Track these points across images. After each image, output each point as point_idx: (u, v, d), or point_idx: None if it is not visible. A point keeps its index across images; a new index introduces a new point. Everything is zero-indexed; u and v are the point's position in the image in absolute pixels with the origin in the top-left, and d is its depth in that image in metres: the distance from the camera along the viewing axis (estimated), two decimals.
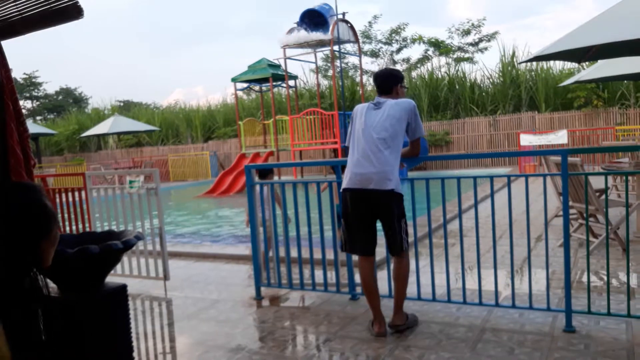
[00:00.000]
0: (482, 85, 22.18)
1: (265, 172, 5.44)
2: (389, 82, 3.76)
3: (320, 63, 23.74)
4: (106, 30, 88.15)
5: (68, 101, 40.73)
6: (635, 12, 4.77)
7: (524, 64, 20.78)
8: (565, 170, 3.46)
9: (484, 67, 38.99)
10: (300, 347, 3.51)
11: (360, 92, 17.65)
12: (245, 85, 18.31)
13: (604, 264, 4.86)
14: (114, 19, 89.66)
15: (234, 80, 17.01)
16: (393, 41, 25.43)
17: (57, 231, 1.67)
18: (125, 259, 5.25)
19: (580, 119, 18.12)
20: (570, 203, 5.53)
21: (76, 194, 5.80)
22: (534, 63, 19.54)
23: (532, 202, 3.71)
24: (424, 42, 24.96)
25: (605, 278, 4.56)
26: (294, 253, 4.69)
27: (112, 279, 3.14)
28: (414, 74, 24.08)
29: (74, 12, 3.27)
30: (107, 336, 2.88)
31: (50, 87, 47.39)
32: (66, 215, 5.82)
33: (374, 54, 25.88)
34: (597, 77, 9.27)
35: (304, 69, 47.64)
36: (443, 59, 24.57)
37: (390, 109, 3.57)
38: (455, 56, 24.26)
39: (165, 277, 5.10)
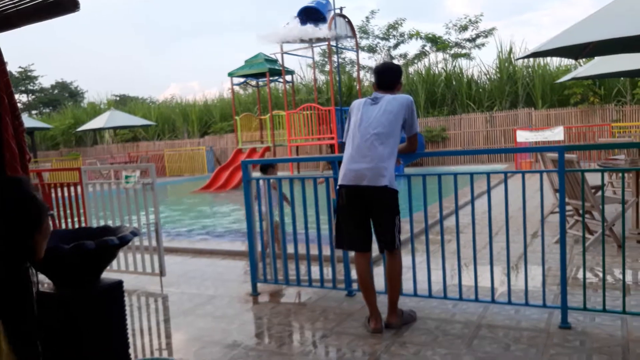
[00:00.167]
0: (479, 81, 22.19)
1: (265, 167, 5.52)
2: (394, 78, 3.73)
3: (317, 58, 23.70)
4: (102, 24, 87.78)
5: (64, 95, 40.57)
6: (632, 9, 4.77)
7: (521, 60, 20.79)
8: (562, 167, 3.46)
9: (481, 63, 38.93)
10: (296, 343, 3.51)
11: (358, 87, 17.63)
12: (242, 80, 18.26)
13: (599, 260, 4.88)
14: (110, 12, 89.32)
15: (231, 74, 16.96)
16: (390, 36, 25.42)
17: (48, 224, 1.68)
18: (121, 254, 5.23)
19: (577, 116, 18.16)
20: (566, 200, 5.54)
21: (72, 188, 5.77)
22: (531, 59, 19.57)
23: (528, 199, 3.71)
24: (421, 38, 24.96)
25: (600, 275, 4.57)
26: (290, 249, 4.68)
27: (108, 274, 3.13)
28: (411, 69, 24.07)
29: (70, 5, 3.25)
30: (103, 332, 2.88)
31: (45, 80, 47.16)
32: (62, 211, 5.80)
33: (371, 50, 25.85)
34: (593, 74, 9.28)
35: (301, 64, 47.55)
36: (440, 55, 24.59)
37: (388, 104, 3.56)
38: (452, 52, 24.27)
39: (162, 273, 5.09)
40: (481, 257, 4.48)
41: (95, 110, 29.31)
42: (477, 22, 24.29)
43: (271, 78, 17.11)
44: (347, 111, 3.88)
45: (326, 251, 4.46)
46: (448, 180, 4.04)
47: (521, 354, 3.07)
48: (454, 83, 21.95)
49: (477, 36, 24.49)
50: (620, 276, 4.44)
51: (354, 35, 16.55)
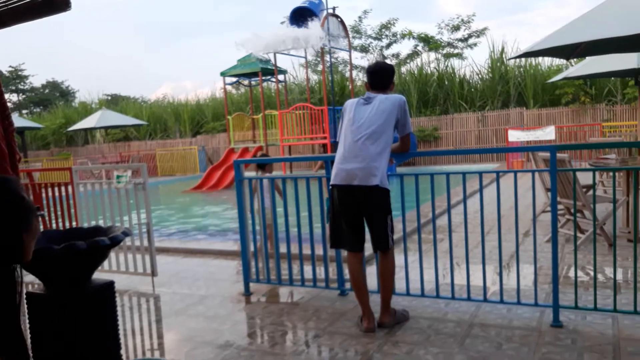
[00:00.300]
0: (471, 81, 22.26)
1: (264, 164, 5.67)
2: (387, 78, 3.72)
3: (309, 58, 23.68)
4: (94, 23, 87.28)
5: (55, 95, 40.32)
6: (623, 9, 4.80)
7: (512, 60, 20.88)
8: (553, 166, 3.48)
9: (473, 63, 39.20)
10: (289, 343, 3.51)
11: (350, 87, 17.63)
12: (234, 79, 18.22)
13: (590, 259, 4.91)
14: (101, 11, 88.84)
15: (223, 74, 16.91)
16: (383, 36, 25.44)
17: (37, 224, 1.67)
18: (112, 254, 5.21)
19: (568, 115, 18.26)
20: (558, 199, 5.56)
21: (63, 188, 5.73)
22: (523, 59, 19.65)
23: (519, 198, 3.72)
24: (413, 38, 25.00)
25: (591, 273, 4.59)
26: (282, 248, 4.68)
27: (99, 275, 3.12)
28: (403, 69, 24.11)
29: (61, 4, 3.23)
30: (95, 333, 2.86)
31: (36, 80, 46.95)
32: (52, 211, 5.76)
33: (364, 49, 25.87)
34: (584, 74, 9.33)
35: (294, 64, 47.53)
36: (432, 55, 24.65)
37: (381, 104, 3.56)
38: (444, 52, 24.33)
39: (153, 273, 5.07)
40: (473, 256, 4.49)
41: (86, 110, 29.14)
42: (469, 22, 24.39)
43: (263, 77, 17.07)
44: (340, 111, 3.87)
45: (319, 250, 4.46)
46: (440, 179, 4.04)
47: (513, 353, 3.08)
48: (446, 83, 22.01)
49: (469, 36, 24.58)
50: (611, 275, 4.47)
51: (346, 35, 16.55)
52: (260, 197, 4.80)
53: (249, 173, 5.12)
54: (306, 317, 3.94)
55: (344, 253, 3.87)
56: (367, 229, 3.67)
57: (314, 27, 14.21)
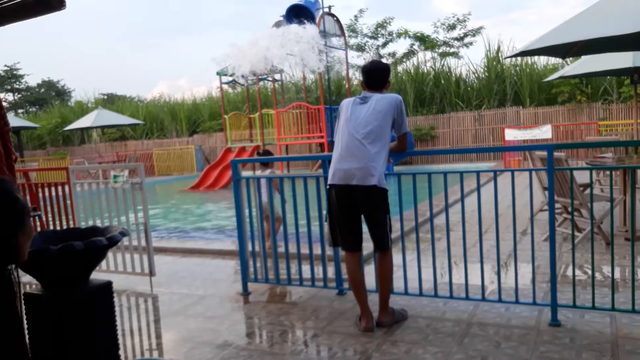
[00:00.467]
0: (467, 80, 22.27)
1: (266, 162, 5.92)
2: (383, 77, 3.72)
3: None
4: (89, 22, 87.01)
5: (50, 94, 40.16)
6: (619, 8, 4.81)
7: (509, 59, 20.91)
8: (551, 165, 3.48)
9: (469, 62, 39.35)
10: (287, 342, 3.50)
11: (347, 86, 17.63)
12: (230, 78, 18.19)
13: (588, 258, 4.92)
14: (97, 10, 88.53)
15: (219, 73, 16.88)
16: (379, 35, 25.42)
17: (31, 225, 1.66)
18: (110, 254, 5.19)
19: (564, 114, 18.30)
20: (555, 198, 5.58)
21: (59, 188, 5.71)
22: (519, 58, 19.69)
23: (517, 197, 3.73)
24: (409, 37, 24.99)
25: (589, 272, 4.61)
26: (281, 248, 4.67)
27: (97, 275, 3.10)
28: (399, 68, 24.10)
29: (56, 3, 3.21)
30: (93, 333, 2.85)
31: (32, 79, 46.85)
32: (49, 211, 5.74)
33: (360, 48, 25.85)
34: (580, 73, 9.35)
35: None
36: (429, 54, 24.65)
37: (377, 104, 3.55)
38: (440, 51, 24.34)
39: (151, 273, 5.06)
40: (471, 255, 4.51)
41: (82, 109, 29.03)
42: (465, 21, 24.38)
43: (260, 76, 17.04)
44: (337, 110, 3.86)
45: (317, 250, 4.46)
46: (438, 178, 4.05)
47: (512, 352, 3.09)
48: (442, 82, 22.02)
49: (465, 35, 24.58)
50: (609, 273, 4.48)
51: (342, 34, 16.56)
52: (258, 195, 4.80)
53: (247, 172, 5.12)
54: (305, 316, 3.94)
55: (342, 252, 3.87)
56: (365, 229, 3.67)
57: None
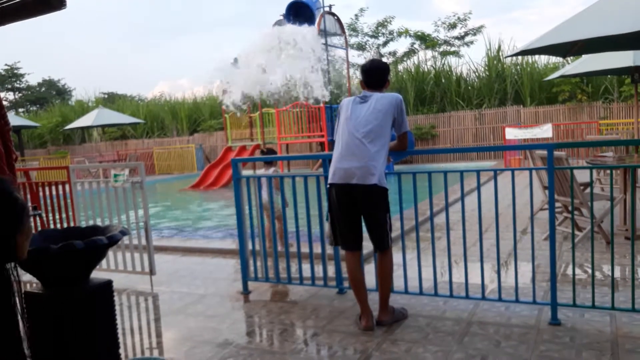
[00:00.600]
0: (468, 79, 22.24)
1: (269, 162, 6.02)
2: (382, 76, 3.72)
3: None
4: (90, 21, 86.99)
5: (51, 93, 40.17)
6: (620, 7, 4.81)
7: (509, 58, 20.89)
8: (551, 164, 3.49)
9: (470, 61, 39.32)
10: (288, 341, 3.51)
11: (347, 85, 17.63)
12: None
13: (588, 257, 4.92)
14: (97, 9, 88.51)
15: None
16: (379, 34, 25.41)
17: (30, 224, 1.67)
18: (110, 253, 5.20)
19: (565, 113, 18.28)
20: (555, 197, 5.58)
21: (60, 187, 5.72)
22: (520, 57, 19.67)
23: (517, 196, 3.73)
24: (410, 36, 24.97)
25: (589, 271, 4.61)
26: (281, 247, 4.67)
27: (97, 274, 3.10)
28: (400, 67, 24.09)
29: (56, 3, 3.22)
30: (93, 332, 2.85)
31: (32, 78, 46.71)
32: (50, 210, 5.75)
33: (361, 47, 25.84)
34: (581, 72, 9.34)
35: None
36: (429, 53, 24.64)
37: (377, 103, 3.55)
38: (441, 50, 24.31)
39: (152, 272, 5.06)
40: (471, 254, 4.51)
41: (83, 108, 29.02)
42: (465, 19, 24.36)
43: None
44: (337, 109, 3.86)
45: (317, 249, 4.46)
46: (438, 177, 4.05)
47: (512, 351, 3.09)
48: (443, 81, 22.00)
49: (466, 34, 24.56)
50: (609, 272, 4.48)
51: (343, 33, 16.55)
52: (259, 193, 4.81)
53: (247, 172, 5.12)
54: (305, 315, 3.94)
55: (342, 251, 3.87)
56: (365, 228, 3.67)
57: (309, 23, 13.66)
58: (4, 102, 3.47)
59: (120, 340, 3.23)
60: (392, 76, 21.72)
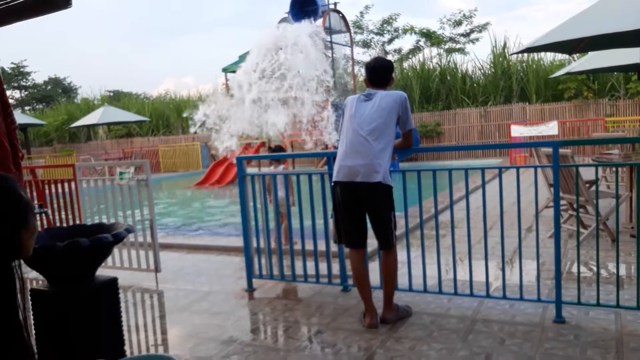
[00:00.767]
0: (473, 76, 22.19)
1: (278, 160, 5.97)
2: (387, 74, 3.71)
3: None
4: (95, 19, 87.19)
5: (57, 91, 40.33)
6: (626, 4, 4.79)
7: (515, 55, 20.81)
8: (556, 162, 3.48)
9: (475, 58, 39.21)
10: (292, 338, 3.52)
11: (352, 82, 17.61)
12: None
13: (593, 254, 4.91)
14: (103, 8, 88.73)
15: (225, 70, 16.92)
16: (385, 31, 25.36)
17: (34, 222, 1.68)
18: (116, 251, 5.22)
19: (571, 110, 18.20)
20: (561, 194, 5.56)
21: (66, 185, 5.75)
22: (525, 54, 19.58)
23: (522, 194, 3.72)
24: (415, 33, 24.92)
25: (594, 269, 4.60)
26: (285, 244, 4.68)
27: (102, 271, 3.12)
28: (405, 64, 24.04)
29: (62, 2, 3.23)
30: (98, 329, 2.87)
31: (38, 76, 46.93)
32: (56, 207, 5.78)
33: (366, 45, 25.80)
34: (587, 69, 9.31)
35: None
36: (434, 50, 24.55)
37: (381, 101, 3.55)
38: (446, 47, 24.26)
39: (157, 269, 5.08)
40: (476, 252, 4.50)
41: (88, 106, 29.13)
42: (471, 17, 24.29)
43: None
44: (342, 107, 3.86)
45: (321, 246, 4.46)
46: (443, 175, 4.04)
47: (516, 349, 3.09)
48: (448, 78, 21.95)
49: (471, 31, 24.49)
50: (614, 270, 4.47)
51: (348, 31, 16.53)
52: (274, 190, 4.82)
53: (253, 169, 5.13)
54: (309, 313, 3.95)
55: (347, 249, 3.88)
56: (369, 226, 3.67)
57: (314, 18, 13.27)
58: (10, 101, 3.49)
59: (126, 337, 3.25)
60: (397, 74, 21.72)
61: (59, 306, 2.80)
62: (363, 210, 3.60)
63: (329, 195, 4.09)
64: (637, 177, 3.63)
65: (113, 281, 3.02)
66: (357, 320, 3.70)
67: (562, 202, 5.80)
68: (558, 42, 5.23)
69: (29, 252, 1.67)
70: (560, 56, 19.39)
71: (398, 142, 3.72)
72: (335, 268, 4.54)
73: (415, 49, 25.23)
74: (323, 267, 4.52)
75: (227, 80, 17.85)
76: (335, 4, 15.68)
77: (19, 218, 1.60)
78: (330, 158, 4.23)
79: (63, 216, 5.77)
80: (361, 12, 25.38)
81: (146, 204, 5.08)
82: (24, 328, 1.65)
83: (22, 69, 38.90)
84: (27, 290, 2.95)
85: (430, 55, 24.69)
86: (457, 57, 23.85)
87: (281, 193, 5.07)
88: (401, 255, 4.06)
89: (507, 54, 21.18)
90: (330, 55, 15.08)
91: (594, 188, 5.79)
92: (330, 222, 3.83)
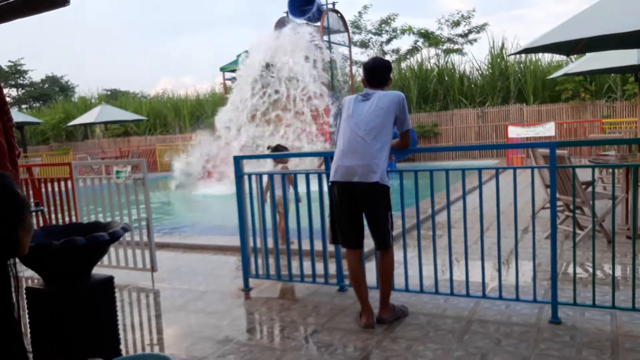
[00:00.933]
0: (471, 77, 22.21)
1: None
2: (384, 74, 3.71)
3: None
4: (93, 18, 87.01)
5: (54, 89, 40.23)
6: (624, 5, 4.80)
7: (512, 56, 20.84)
8: (553, 163, 3.48)
9: (473, 59, 39.26)
10: (288, 338, 3.51)
11: (350, 82, 17.61)
12: (234, 74, 18.18)
13: (589, 256, 4.92)
14: (101, 6, 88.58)
15: (223, 69, 16.90)
16: (383, 32, 25.37)
17: (30, 219, 1.67)
18: (112, 249, 5.21)
19: (568, 112, 18.24)
20: (557, 195, 5.57)
21: (62, 184, 5.73)
22: (523, 55, 19.61)
23: (519, 194, 3.73)
24: (413, 33, 24.93)
25: (590, 270, 4.61)
26: (282, 244, 4.68)
27: (98, 270, 3.12)
28: (403, 65, 24.06)
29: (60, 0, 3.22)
30: (94, 328, 2.86)
31: (36, 75, 46.67)
32: (52, 206, 5.77)
33: (364, 45, 25.80)
34: (585, 70, 9.32)
35: None
36: (432, 50, 24.57)
37: (379, 101, 3.55)
38: (444, 47, 24.27)
39: (153, 269, 5.07)
40: (472, 253, 4.50)
41: (86, 105, 29.05)
42: (469, 17, 24.30)
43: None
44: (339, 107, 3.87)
45: (318, 246, 4.46)
46: (440, 175, 4.05)
47: (512, 349, 3.09)
48: (446, 79, 21.97)
49: (469, 32, 24.50)
50: (610, 271, 4.48)
51: (346, 30, 16.53)
52: (271, 189, 4.82)
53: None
54: (305, 312, 3.95)
55: (343, 249, 3.88)
56: (366, 226, 3.67)
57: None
58: (7, 99, 3.48)
59: (121, 336, 3.24)
60: (395, 74, 21.72)
61: (54, 305, 2.79)
62: (360, 211, 3.59)
63: (325, 195, 4.09)
64: (634, 178, 3.65)
65: (109, 280, 3.01)
66: (353, 320, 3.70)
67: (559, 203, 5.81)
68: (556, 43, 5.24)
69: (25, 250, 1.66)
70: (557, 57, 19.45)
71: (395, 142, 3.72)
72: (332, 268, 4.55)
73: (413, 50, 25.25)
74: (320, 267, 4.52)
75: (225, 79, 17.83)
76: (333, 3, 15.68)
77: (16, 215, 1.60)
78: (328, 158, 4.23)
79: (59, 215, 5.76)
80: (359, 12, 25.39)
81: (143, 203, 5.07)
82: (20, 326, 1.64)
83: (19, 67, 38.79)
84: (23, 289, 2.94)
85: (428, 55, 24.72)
86: (455, 58, 23.94)
87: (279, 192, 5.06)
88: (398, 255, 4.06)
89: (504, 55, 21.21)
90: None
91: (590, 189, 5.81)
92: (328, 221, 3.83)
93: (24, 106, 38.80)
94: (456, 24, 24.47)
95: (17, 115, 22.02)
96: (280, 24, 15.57)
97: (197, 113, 26.16)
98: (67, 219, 5.71)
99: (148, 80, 77.97)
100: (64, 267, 2.80)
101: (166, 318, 4.07)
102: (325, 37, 15.21)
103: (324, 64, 14.03)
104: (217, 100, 25.58)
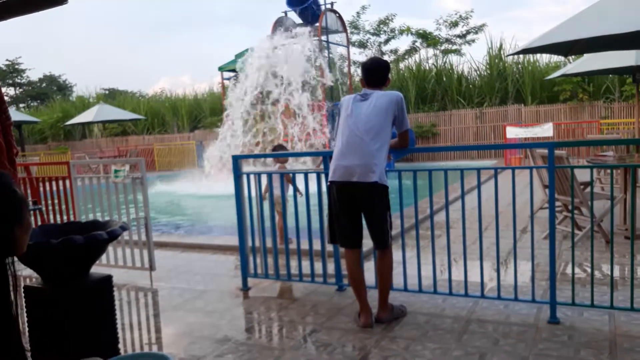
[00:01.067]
0: (469, 77, 22.24)
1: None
2: (383, 74, 3.71)
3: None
4: (91, 17, 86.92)
5: (52, 89, 40.17)
6: (622, 6, 4.81)
7: (510, 57, 20.87)
8: (551, 163, 3.48)
9: (471, 60, 39.27)
10: (286, 338, 3.51)
11: (348, 82, 17.61)
12: (232, 74, 18.16)
13: (588, 256, 4.92)
14: (99, 5, 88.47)
15: (221, 69, 16.88)
16: (381, 32, 25.40)
17: (29, 218, 1.67)
18: (110, 249, 5.20)
19: (566, 112, 18.28)
20: (556, 196, 5.58)
21: (60, 183, 5.72)
22: (521, 56, 19.65)
23: (517, 195, 3.73)
24: (411, 34, 24.96)
25: (589, 270, 4.61)
26: (281, 244, 4.68)
27: (97, 269, 3.11)
28: (401, 65, 24.08)
29: None
30: (92, 327, 2.86)
31: (33, 74, 46.55)
32: (50, 205, 5.75)
33: (362, 45, 25.82)
34: (582, 71, 9.34)
35: None
36: (431, 51, 24.60)
37: (377, 101, 3.55)
38: (442, 48, 24.30)
39: (151, 268, 5.07)
40: (471, 253, 4.51)
41: (84, 104, 29.01)
42: (467, 18, 24.35)
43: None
44: (337, 106, 3.87)
45: (317, 246, 4.46)
46: (438, 175, 4.05)
47: (510, 349, 3.09)
48: (444, 79, 21.99)
49: (468, 32, 24.54)
50: (608, 271, 4.48)
51: (344, 31, 16.53)
52: (270, 188, 4.83)
53: (249, 168, 5.14)
54: (304, 312, 3.95)
55: (342, 248, 3.88)
56: (365, 226, 3.67)
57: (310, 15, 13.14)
58: (5, 98, 3.47)
59: (120, 335, 3.23)
60: (393, 74, 21.72)
61: (53, 303, 2.79)
62: (359, 210, 3.59)
63: (324, 195, 4.08)
64: (632, 178, 3.65)
65: (107, 279, 3.01)
66: (351, 319, 3.70)
67: (557, 203, 5.81)
68: (554, 44, 5.25)
69: (23, 248, 1.65)
70: (555, 58, 19.50)
71: (394, 142, 3.73)
72: (331, 267, 4.54)
73: (412, 50, 25.28)
74: (318, 266, 4.52)
75: (223, 79, 17.81)
76: (332, 3, 15.67)
77: (14, 214, 1.59)
78: (326, 157, 4.23)
79: (57, 214, 5.75)
80: (358, 12, 25.43)
81: (141, 202, 5.06)
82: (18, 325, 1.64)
83: (16, 66, 38.73)
84: (21, 288, 2.93)
85: (427, 56, 24.76)
86: (453, 58, 23.95)
87: (277, 191, 5.07)
88: (396, 255, 4.06)
89: (503, 56, 21.25)
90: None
91: (588, 189, 5.82)
92: (326, 221, 3.83)
93: (21, 105, 38.74)
94: (454, 24, 24.50)
95: (15, 114, 21.96)
96: (279, 23, 15.57)
97: (195, 113, 26.16)
98: (65, 217, 5.70)
99: (146, 79, 77.98)
100: (62, 266, 2.79)
101: (164, 317, 4.07)
102: (324, 37, 15.20)
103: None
104: (216, 100, 25.60)
